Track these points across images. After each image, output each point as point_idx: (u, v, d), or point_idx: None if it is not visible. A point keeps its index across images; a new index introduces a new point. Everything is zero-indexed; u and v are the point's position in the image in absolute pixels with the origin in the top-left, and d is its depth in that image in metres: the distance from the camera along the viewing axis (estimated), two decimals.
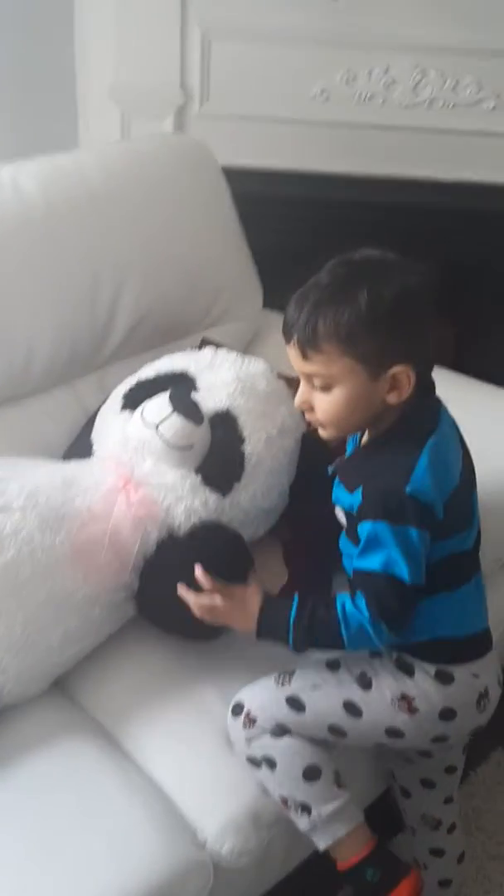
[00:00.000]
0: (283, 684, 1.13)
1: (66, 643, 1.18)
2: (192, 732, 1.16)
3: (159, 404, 1.25)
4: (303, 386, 1.09)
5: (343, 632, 1.04)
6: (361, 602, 1.03)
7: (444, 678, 1.10)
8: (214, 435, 1.26)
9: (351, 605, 1.04)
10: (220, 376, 1.33)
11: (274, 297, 1.81)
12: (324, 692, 1.11)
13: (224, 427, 1.27)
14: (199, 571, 1.11)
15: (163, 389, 1.30)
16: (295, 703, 1.11)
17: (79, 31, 2.06)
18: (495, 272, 2.14)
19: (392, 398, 1.04)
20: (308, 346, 1.04)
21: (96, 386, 1.57)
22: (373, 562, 1.03)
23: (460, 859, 1.32)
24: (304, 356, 1.05)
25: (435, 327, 1.07)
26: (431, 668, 1.10)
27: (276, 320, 1.82)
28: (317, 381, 1.06)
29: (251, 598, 1.10)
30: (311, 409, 1.09)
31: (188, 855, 1.03)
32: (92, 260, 1.51)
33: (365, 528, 1.03)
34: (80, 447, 1.41)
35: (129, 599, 1.23)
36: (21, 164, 1.51)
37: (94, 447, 1.35)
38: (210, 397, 1.29)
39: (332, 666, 1.14)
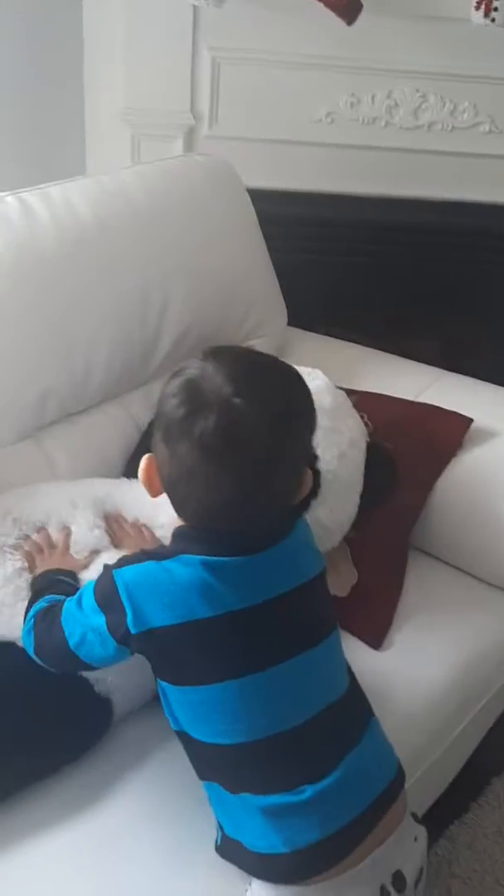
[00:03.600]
0: None
1: None
2: None
3: None
4: None
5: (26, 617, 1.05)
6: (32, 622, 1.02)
7: None
8: None
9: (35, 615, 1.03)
10: None
11: None
12: None
13: None
14: None
15: None
16: None
17: (88, 57, 2.10)
18: (492, 287, 2.26)
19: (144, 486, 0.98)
20: None
21: (143, 401, 1.60)
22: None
23: None
24: None
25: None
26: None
27: (298, 336, 1.91)
28: None
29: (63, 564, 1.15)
30: None
31: None
32: (141, 276, 1.55)
33: None
34: (136, 459, 1.44)
35: None
36: (67, 184, 1.55)
37: None
38: None
39: None
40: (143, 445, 1.53)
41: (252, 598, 0.92)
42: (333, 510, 1.32)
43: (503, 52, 2.03)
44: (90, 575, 1.17)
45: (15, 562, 1.18)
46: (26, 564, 1.19)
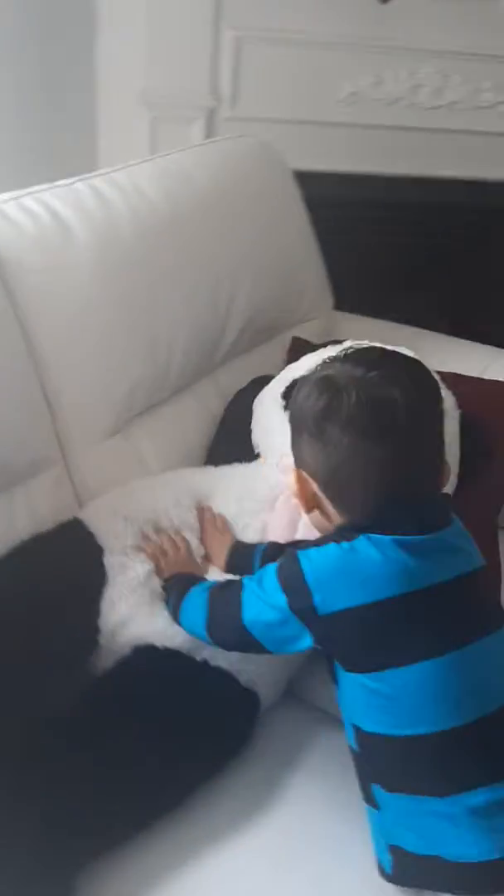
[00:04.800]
0: None
1: None
2: None
3: None
4: None
5: (185, 602, 1.06)
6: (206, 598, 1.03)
7: None
8: None
9: (200, 589, 1.05)
10: None
11: None
12: None
13: None
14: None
15: None
16: None
17: (103, 40, 2.03)
18: None
19: (301, 504, 0.98)
20: None
21: (213, 389, 1.57)
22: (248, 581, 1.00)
23: None
24: None
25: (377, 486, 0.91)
26: None
27: (346, 319, 1.90)
28: None
29: (192, 568, 1.16)
30: None
31: None
32: (212, 262, 1.51)
33: None
34: (228, 450, 1.41)
35: None
36: (133, 169, 1.49)
37: (259, 448, 1.35)
38: None
39: None
40: (222, 433, 1.50)
41: (441, 575, 0.91)
42: None
43: None
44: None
45: (144, 563, 1.14)
46: (153, 565, 1.15)
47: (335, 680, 0.97)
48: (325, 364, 0.97)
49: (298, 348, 1.71)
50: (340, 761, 1.11)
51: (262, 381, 1.55)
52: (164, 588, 1.13)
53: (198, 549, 1.21)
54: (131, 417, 1.41)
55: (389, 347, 1.05)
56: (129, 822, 0.97)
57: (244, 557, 1.16)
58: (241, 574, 1.10)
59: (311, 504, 0.96)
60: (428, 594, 0.89)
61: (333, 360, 0.97)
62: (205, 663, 1.08)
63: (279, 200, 1.71)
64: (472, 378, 1.59)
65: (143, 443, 1.41)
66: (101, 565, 1.14)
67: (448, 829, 0.89)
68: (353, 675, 0.92)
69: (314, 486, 0.94)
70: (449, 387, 1.48)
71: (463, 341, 1.81)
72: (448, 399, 1.38)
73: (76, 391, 1.32)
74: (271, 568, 0.95)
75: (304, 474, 0.95)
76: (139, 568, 1.14)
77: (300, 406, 0.95)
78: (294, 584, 0.91)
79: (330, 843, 1.01)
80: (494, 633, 0.94)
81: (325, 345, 1.49)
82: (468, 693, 0.90)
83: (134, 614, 1.10)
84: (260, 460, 1.35)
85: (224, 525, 1.24)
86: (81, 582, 1.13)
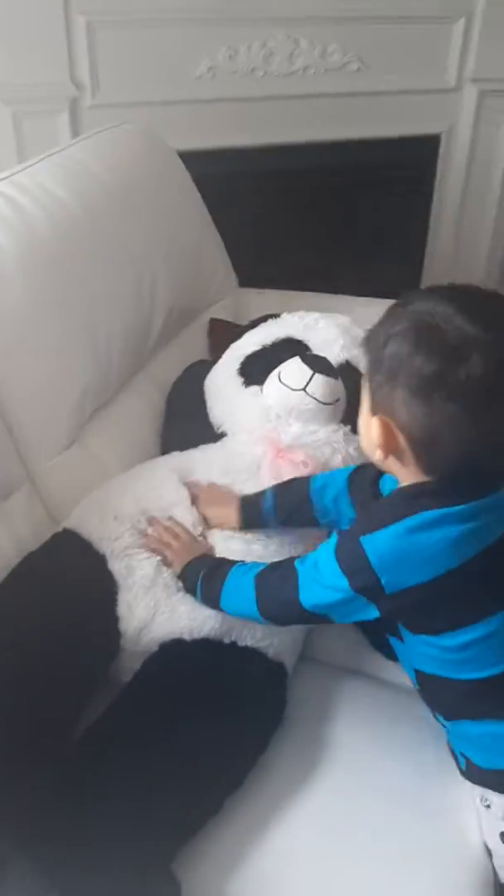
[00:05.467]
0: None
1: None
2: None
3: (298, 369, 1.32)
4: None
5: (225, 586, 1.08)
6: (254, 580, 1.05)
7: None
8: (347, 386, 1.36)
9: (242, 571, 1.08)
10: (324, 334, 1.42)
11: None
12: None
13: (351, 377, 1.36)
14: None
15: (276, 359, 1.37)
16: None
17: None
18: (389, 216, 2.39)
19: (379, 450, 0.94)
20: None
21: (150, 382, 1.57)
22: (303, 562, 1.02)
23: None
24: None
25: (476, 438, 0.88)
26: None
27: (249, 294, 1.92)
28: None
29: (199, 550, 1.17)
30: None
31: None
32: (129, 254, 1.50)
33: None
34: (182, 437, 1.43)
35: None
36: (31, 170, 1.45)
37: (225, 427, 1.38)
38: (328, 354, 1.38)
39: None
40: (171, 422, 1.52)
41: (493, 536, 0.93)
42: None
43: None
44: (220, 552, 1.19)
45: (150, 559, 1.15)
46: (160, 558, 1.16)
47: (393, 635, 1.02)
48: (426, 300, 0.88)
49: (219, 329, 1.73)
50: (372, 707, 1.19)
51: (196, 368, 1.58)
52: (182, 577, 1.14)
53: (193, 525, 1.21)
54: (83, 424, 1.40)
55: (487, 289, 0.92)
56: (203, 809, 1.00)
57: (254, 508, 1.19)
58: (256, 527, 1.16)
59: (389, 453, 0.93)
60: (485, 556, 0.92)
61: (434, 299, 0.87)
62: (233, 645, 1.12)
63: (173, 183, 1.72)
64: None
65: (100, 447, 1.40)
66: (108, 572, 1.14)
67: None
68: (417, 635, 0.97)
69: (400, 439, 0.91)
70: None
71: (361, 298, 1.88)
72: None
73: (30, 406, 1.30)
74: (328, 552, 0.96)
75: (392, 425, 0.90)
76: (146, 566, 1.15)
77: (400, 359, 0.87)
78: (358, 568, 0.92)
79: (385, 781, 1.08)
80: None
81: (255, 324, 1.53)
82: None
83: (154, 614, 1.12)
84: (227, 438, 1.37)
85: (217, 489, 1.25)
86: (93, 593, 1.13)
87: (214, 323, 1.75)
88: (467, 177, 2.56)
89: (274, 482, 1.25)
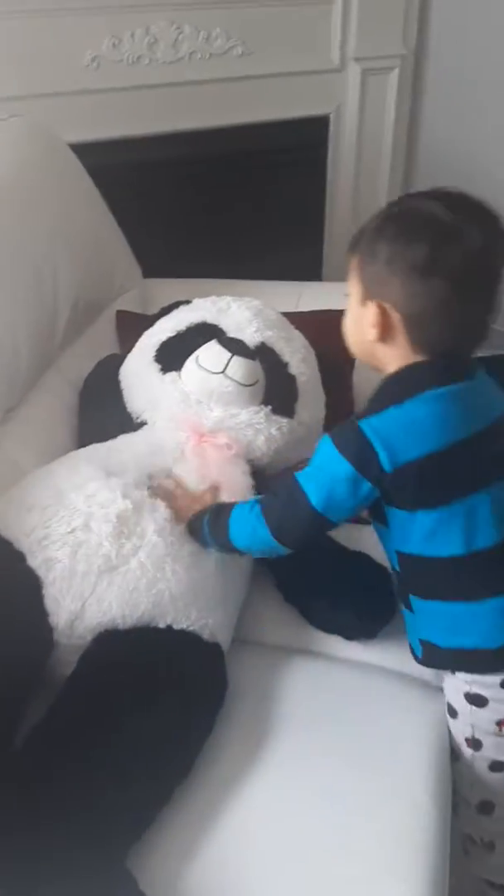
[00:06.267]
0: None
1: (232, 591, 1.23)
2: None
3: (215, 353, 1.32)
4: None
5: (232, 527, 1.10)
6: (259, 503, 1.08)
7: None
8: (264, 367, 1.37)
9: (246, 508, 1.09)
10: (238, 317, 1.41)
11: None
12: None
13: (268, 358, 1.38)
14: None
15: (192, 344, 1.36)
16: None
17: None
18: (279, 199, 2.40)
19: (371, 333, 1.01)
20: (348, 252, 1.06)
21: (60, 379, 1.55)
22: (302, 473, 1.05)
23: None
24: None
25: (470, 312, 0.99)
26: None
27: (156, 284, 1.90)
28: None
29: (202, 502, 1.20)
30: None
31: None
32: (28, 250, 1.48)
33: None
34: (100, 430, 1.41)
35: None
36: None
37: (145, 416, 1.37)
38: (243, 337, 1.38)
39: None
40: (88, 417, 1.49)
41: (482, 422, 1.01)
42: (312, 410, 1.41)
43: None
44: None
45: (64, 549, 1.11)
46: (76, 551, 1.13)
47: (378, 521, 1.07)
48: (411, 200, 1.01)
49: (126, 321, 1.72)
50: (312, 681, 1.20)
51: (108, 360, 1.56)
52: (190, 528, 1.16)
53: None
54: None
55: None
56: (155, 801, 0.98)
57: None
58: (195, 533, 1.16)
59: (384, 333, 1.00)
60: (471, 441, 0.99)
61: (420, 198, 1.00)
62: (169, 629, 1.10)
63: (66, 176, 1.69)
64: (296, 313, 1.68)
65: (14, 449, 1.37)
66: (29, 569, 1.11)
67: (471, 625, 1.04)
68: (405, 512, 1.01)
69: (395, 318, 0.99)
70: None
71: (262, 282, 1.89)
72: (302, 336, 1.47)
73: None
74: (326, 445, 1.00)
75: (387, 306, 0.99)
76: (62, 556, 1.11)
77: (395, 247, 0.97)
78: (358, 449, 0.97)
79: (333, 746, 1.09)
80: None
81: (166, 311, 1.52)
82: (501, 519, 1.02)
83: (83, 604, 1.09)
84: (148, 426, 1.36)
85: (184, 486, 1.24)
86: (18, 592, 1.10)
87: (122, 315, 1.73)
88: (358, 154, 2.59)
89: (200, 467, 1.25)
